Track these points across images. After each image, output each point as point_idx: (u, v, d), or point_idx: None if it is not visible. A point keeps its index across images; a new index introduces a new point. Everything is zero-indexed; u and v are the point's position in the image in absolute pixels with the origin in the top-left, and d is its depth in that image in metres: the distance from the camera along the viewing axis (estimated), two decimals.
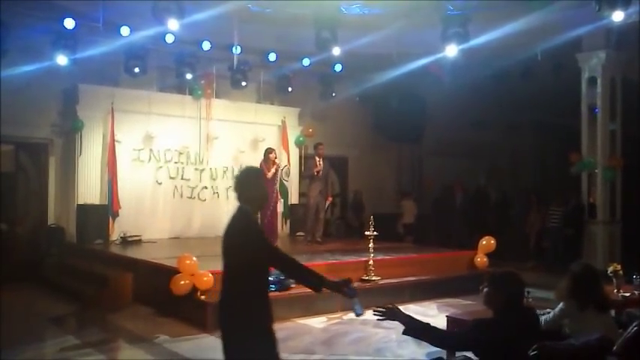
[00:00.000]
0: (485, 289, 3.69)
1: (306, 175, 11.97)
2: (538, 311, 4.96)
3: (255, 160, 13.79)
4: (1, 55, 9.49)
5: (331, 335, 7.21)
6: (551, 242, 12.94)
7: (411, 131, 14.83)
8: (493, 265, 10.40)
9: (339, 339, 7.07)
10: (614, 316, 5.04)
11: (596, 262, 10.44)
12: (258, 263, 3.61)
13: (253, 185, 3.81)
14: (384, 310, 3.60)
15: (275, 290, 7.38)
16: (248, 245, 3.59)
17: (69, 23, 9.95)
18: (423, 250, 11.39)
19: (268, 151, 10.70)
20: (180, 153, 12.64)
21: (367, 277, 8.82)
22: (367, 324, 7.34)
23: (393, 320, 3.61)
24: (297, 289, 7.73)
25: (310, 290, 3.75)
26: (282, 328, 5.94)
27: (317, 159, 11.38)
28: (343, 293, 3.64)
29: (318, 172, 11.27)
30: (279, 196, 11.22)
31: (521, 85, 12.74)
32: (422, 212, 16.12)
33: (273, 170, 10.44)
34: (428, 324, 3.67)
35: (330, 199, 11.93)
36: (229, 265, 3.66)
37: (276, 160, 10.63)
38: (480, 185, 16.29)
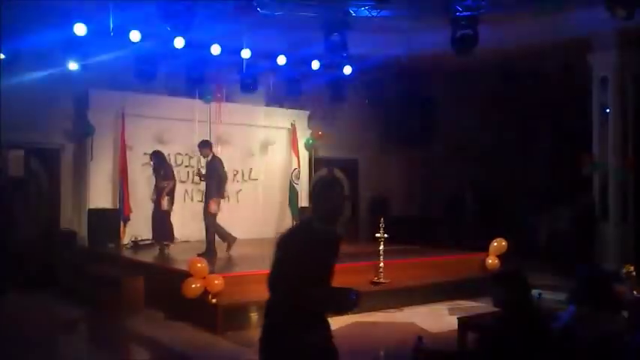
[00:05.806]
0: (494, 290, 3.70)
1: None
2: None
3: (266, 163, 13.75)
4: (8, 61, 9.60)
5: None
6: (562, 244, 12.84)
7: (421, 134, 14.79)
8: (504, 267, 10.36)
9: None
10: (627, 318, 4.99)
11: (609, 264, 10.36)
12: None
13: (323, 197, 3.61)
14: None
15: None
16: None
17: (79, 29, 10.01)
18: (433, 252, 11.34)
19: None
20: (191, 157, 12.68)
21: (378, 280, 8.78)
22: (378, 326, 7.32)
23: None
24: None
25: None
26: None
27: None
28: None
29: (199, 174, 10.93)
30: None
31: (532, 86, 12.67)
32: (433, 215, 16.06)
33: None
34: None
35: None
36: None
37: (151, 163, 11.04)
38: (490, 187, 16.20)
